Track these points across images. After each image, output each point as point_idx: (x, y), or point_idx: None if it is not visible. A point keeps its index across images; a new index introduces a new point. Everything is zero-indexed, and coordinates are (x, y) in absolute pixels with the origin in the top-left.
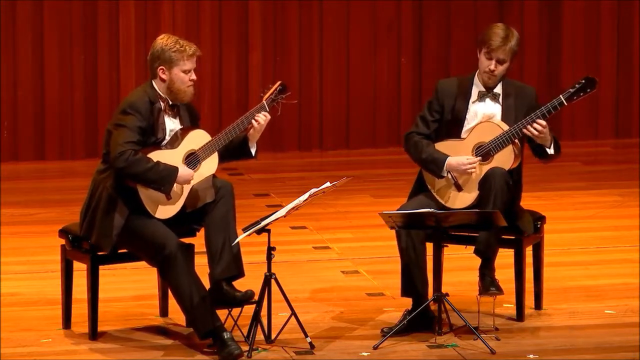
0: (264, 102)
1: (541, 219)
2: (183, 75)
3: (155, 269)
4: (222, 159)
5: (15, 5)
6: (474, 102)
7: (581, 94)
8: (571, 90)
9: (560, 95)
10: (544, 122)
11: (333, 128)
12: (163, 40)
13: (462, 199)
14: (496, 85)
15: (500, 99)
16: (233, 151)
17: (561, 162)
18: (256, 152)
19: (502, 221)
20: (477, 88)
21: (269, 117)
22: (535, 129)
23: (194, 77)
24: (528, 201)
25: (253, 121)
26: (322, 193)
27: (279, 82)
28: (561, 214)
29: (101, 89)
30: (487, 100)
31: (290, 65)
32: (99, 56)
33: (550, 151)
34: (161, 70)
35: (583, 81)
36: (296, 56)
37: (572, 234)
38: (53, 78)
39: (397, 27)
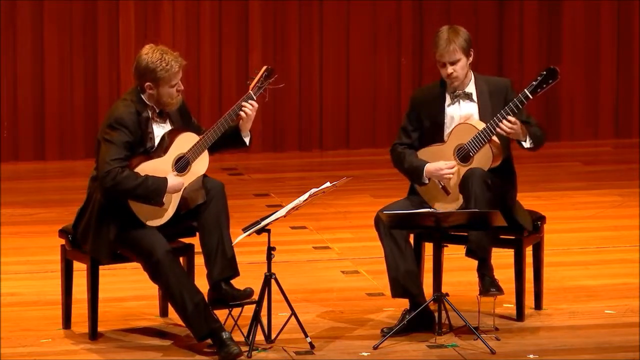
0: (251, 91)
1: (541, 219)
2: (170, 90)
3: None
4: (216, 149)
5: (15, 5)
6: (449, 106)
7: (544, 85)
8: (534, 83)
9: (525, 90)
10: (513, 119)
11: (333, 128)
12: (148, 56)
13: (450, 202)
14: (467, 84)
15: (475, 97)
16: (226, 142)
17: (561, 162)
18: (250, 140)
19: (501, 221)
20: (449, 91)
21: (256, 105)
22: (506, 126)
23: (181, 87)
24: (528, 201)
25: (241, 113)
26: (322, 193)
27: (264, 68)
28: (561, 214)
29: (101, 89)
30: (462, 101)
31: (290, 65)
32: (99, 56)
33: (526, 145)
34: (148, 87)
35: (544, 72)
36: (296, 56)
37: (572, 234)
38: (53, 78)
39: (397, 27)
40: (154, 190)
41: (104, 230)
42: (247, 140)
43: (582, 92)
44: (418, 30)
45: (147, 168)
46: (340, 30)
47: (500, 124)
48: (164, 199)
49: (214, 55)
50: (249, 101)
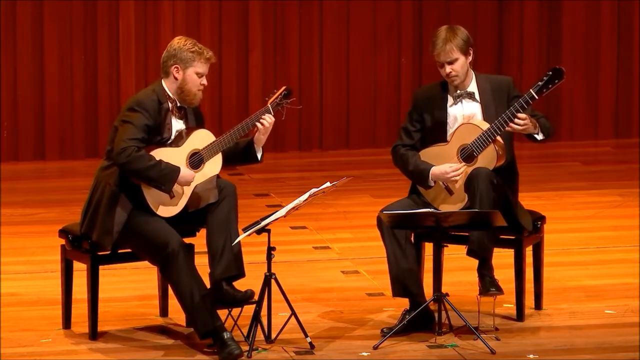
0: (269, 105)
1: (541, 219)
2: (196, 77)
3: (155, 269)
4: (227, 162)
5: (15, 5)
6: (451, 106)
7: (550, 85)
8: (540, 83)
9: (530, 90)
10: (523, 115)
11: (333, 128)
12: (181, 41)
13: (453, 202)
14: (469, 84)
15: (477, 97)
16: (239, 155)
17: (561, 162)
18: (262, 156)
19: (501, 221)
20: (451, 91)
21: (273, 119)
22: (517, 124)
23: (205, 82)
24: (528, 201)
25: (258, 124)
26: (322, 193)
27: (284, 87)
28: (561, 214)
29: (101, 89)
30: (464, 101)
31: (290, 65)
32: (99, 56)
33: (539, 137)
34: (175, 69)
35: (550, 73)
36: (296, 56)
37: (572, 234)
38: (53, 78)
39: (397, 27)
40: (166, 174)
41: (112, 215)
42: (259, 155)
43: (582, 92)
44: (418, 30)
45: (161, 155)
46: (340, 30)
47: (511, 123)
48: (174, 190)
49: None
50: (267, 115)
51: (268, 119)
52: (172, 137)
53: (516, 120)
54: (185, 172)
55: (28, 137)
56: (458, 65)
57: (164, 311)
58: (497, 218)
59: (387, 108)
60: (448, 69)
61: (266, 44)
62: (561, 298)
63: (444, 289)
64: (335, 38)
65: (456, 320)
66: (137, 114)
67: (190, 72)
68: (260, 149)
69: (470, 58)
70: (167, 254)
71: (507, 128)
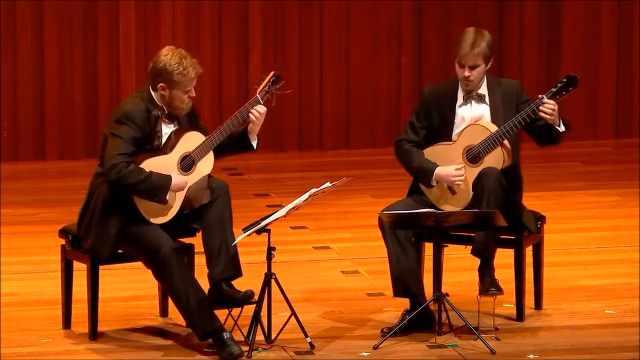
0: (258, 95)
1: (541, 219)
2: (183, 95)
3: None
4: (223, 153)
5: (15, 5)
6: (460, 106)
7: (563, 92)
8: (553, 89)
9: (543, 95)
10: (553, 102)
11: (333, 128)
12: (167, 58)
13: (456, 203)
14: (480, 86)
15: (487, 99)
16: (234, 145)
17: (561, 162)
18: (257, 144)
19: (502, 221)
20: (462, 91)
21: (265, 109)
22: (546, 109)
23: (193, 94)
24: (528, 201)
25: (250, 116)
26: (322, 193)
27: (272, 73)
28: (561, 214)
29: (101, 89)
30: (473, 102)
31: (290, 66)
32: (99, 56)
33: (562, 128)
34: (161, 87)
35: (564, 80)
36: (296, 56)
37: (572, 234)
38: (53, 78)
39: (397, 27)
40: (158, 187)
41: (107, 224)
42: (254, 144)
43: (582, 92)
44: (418, 30)
45: (152, 164)
46: (340, 30)
47: (542, 107)
48: (167, 197)
49: (214, 56)
50: (258, 105)
51: (258, 110)
52: (163, 143)
53: (545, 106)
54: (177, 179)
55: (28, 137)
56: (477, 71)
57: (163, 311)
58: (497, 218)
59: (387, 108)
60: (467, 72)
61: (266, 44)
62: (561, 298)
63: (444, 289)
64: (335, 38)
65: (456, 320)
66: (124, 127)
67: (176, 92)
68: (255, 137)
69: (489, 65)
70: (159, 259)
71: (539, 114)
